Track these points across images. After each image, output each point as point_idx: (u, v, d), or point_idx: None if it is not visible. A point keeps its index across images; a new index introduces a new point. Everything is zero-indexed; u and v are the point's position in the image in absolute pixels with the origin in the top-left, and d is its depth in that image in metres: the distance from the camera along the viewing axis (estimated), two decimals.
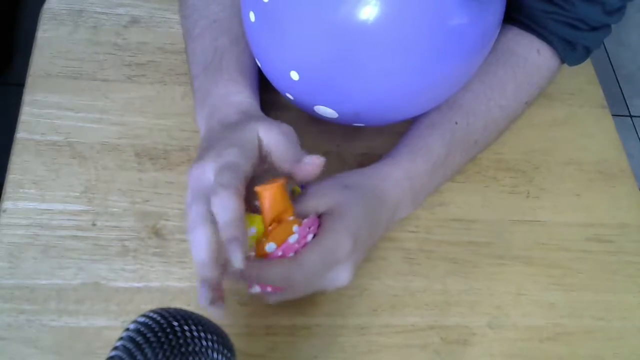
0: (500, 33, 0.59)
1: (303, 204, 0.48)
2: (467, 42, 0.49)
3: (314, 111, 0.54)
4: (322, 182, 0.50)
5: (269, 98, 0.57)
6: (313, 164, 0.46)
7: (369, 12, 0.44)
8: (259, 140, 0.47)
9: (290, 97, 0.54)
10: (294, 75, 0.50)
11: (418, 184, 0.55)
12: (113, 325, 0.50)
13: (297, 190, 0.50)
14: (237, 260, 0.41)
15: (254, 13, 0.49)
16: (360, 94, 0.50)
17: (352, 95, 0.50)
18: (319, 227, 0.47)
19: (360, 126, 0.57)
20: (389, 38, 0.46)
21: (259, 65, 0.54)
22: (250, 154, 0.46)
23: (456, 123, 0.57)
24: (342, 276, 0.48)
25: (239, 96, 0.53)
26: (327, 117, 0.54)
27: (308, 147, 0.60)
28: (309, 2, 0.46)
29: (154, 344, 0.35)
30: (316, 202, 0.48)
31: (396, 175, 0.54)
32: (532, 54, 0.59)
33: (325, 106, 0.52)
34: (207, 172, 0.45)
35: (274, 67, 0.52)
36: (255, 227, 0.45)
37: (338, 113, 0.53)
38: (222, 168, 0.45)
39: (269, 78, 0.54)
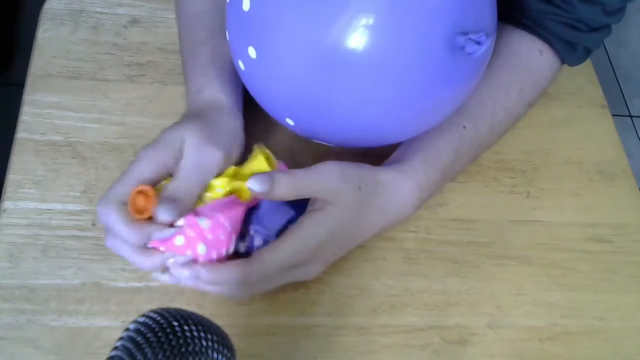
0: (502, 34, 0.59)
1: (309, 178, 0.46)
2: (456, 78, 0.48)
3: (311, 140, 0.55)
4: (346, 168, 0.48)
5: None
6: (160, 215, 0.45)
7: (353, 61, 0.44)
8: (183, 145, 0.47)
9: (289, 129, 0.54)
10: (289, 122, 0.51)
11: (426, 193, 0.54)
12: (113, 325, 0.50)
13: (270, 157, 0.50)
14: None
15: (243, 64, 0.49)
16: (353, 131, 0.50)
17: (346, 132, 0.50)
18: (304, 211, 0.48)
19: None
20: (374, 83, 0.45)
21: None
22: (164, 156, 0.47)
23: (464, 128, 0.56)
24: (308, 271, 0.49)
25: (208, 91, 0.53)
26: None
27: (308, 147, 0.61)
28: (296, 59, 0.46)
29: (154, 344, 0.35)
30: (320, 187, 0.47)
31: (409, 187, 0.53)
32: (535, 55, 0.59)
33: (323, 142, 0.54)
34: None
35: (269, 111, 0.53)
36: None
37: (335, 144, 0.54)
38: (121, 174, 0.47)
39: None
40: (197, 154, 0.47)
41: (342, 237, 0.49)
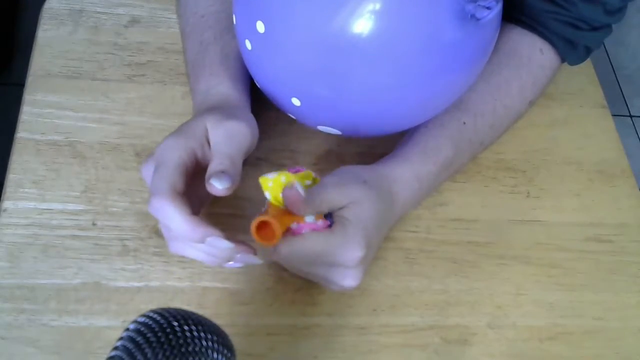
0: (503, 33, 0.59)
1: (320, 196, 0.47)
2: (464, 57, 0.48)
3: (317, 129, 0.54)
4: (340, 174, 0.49)
5: None
6: (214, 187, 0.45)
7: (364, 34, 0.44)
8: (207, 132, 0.48)
9: (293, 117, 0.54)
10: (295, 102, 0.50)
11: (425, 185, 0.55)
12: (113, 325, 0.50)
13: (317, 180, 0.49)
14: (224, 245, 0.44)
15: (250, 42, 0.49)
16: (361, 113, 0.50)
17: (354, 114, 0.50)
18: (333, 221, 0.47)
19: None
20: (386, 57, 0.45)
21: (260, 87, 0.54)
22: (191, 143, 0.47)
23: (464, 123, 0.56)
24: (349, 279, 0.48)
25: (219, 89, 0.53)
26: (330, 133, 0.54)
27: (308, 147, 0.61)
28: (305, 31, 0.46)
29: (154, 344, 0.35)
30: (334, 196, 0.47)
31: (407, 177, 0.53)
32: (536, 54, 0.59)
33: (328, 126, 0.53)
34: (149, 166, 0.47)
35: (274, 93, 0.52)
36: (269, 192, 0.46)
37: (341, 131, 0.53)
38: (156, 168, 0.46)
39: (270, 99, 0.54)
40: (223, 129, 0.47)
41: (375, 232, 0.49)
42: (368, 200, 0.48)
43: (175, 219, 0.44)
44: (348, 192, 0.48)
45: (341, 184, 0.48)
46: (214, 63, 0.54)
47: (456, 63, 0.48)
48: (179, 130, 0.48)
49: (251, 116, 0.52)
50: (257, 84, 0.54)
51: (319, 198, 0.46)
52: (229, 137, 0.47)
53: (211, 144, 0.48)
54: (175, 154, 0.46)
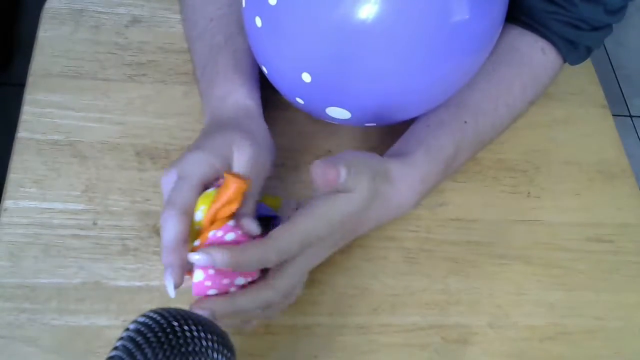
0: (504, 33, 0.59)
1: (347, 170, 0.47)
2: (474, 38, 0.49)
3: (325, 113, 0.53)
4: (357, 155, 0.50)
5: (270, 95, 0.57)
6: (247, 227, 0.46)
7: (377, 9, 0.44)
8: (232, 152, 0.48)
9: (301, 101, 0.53)
10: (306, 77, 0.50)
11: (427, 186, 0.54)
12: (113, 325, 0.50)
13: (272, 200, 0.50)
14: (169, 287, 0.43)
15: (261, 18, 0.49)
16: (372, 92, 0.50)
17: (364, 93, 0.50)
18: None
19: (370, 126, 0.57)
20: (398, 35, 0.46)
21: (265, 72, 0.54)
22: (216, 161, 0.47)
23: (465, 122, 0.56)
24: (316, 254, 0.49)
25: (236, 96, 0.53)
26: (338, 119, 0.54)
27: (308, 147, 0.61)
28: (318, 1, 0.46)
29: (154, 344, 0.35)
30: (355, 180, 0.47)
31: (412, 179, 0.53)
32: (537, 54, 0.59)
33: (338, 107, 0.52)
34: (171, 176, 0.47)
35: (283, 72, 0.52)
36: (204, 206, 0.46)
37: (351, 113, 0.53)
38: (177, 180, 0.46)
39: (276, 85, 0.54)
40: (249, 155, 0.48)
41: (351, 225, 0.49)
42: (366, 194, 0.48)
43: (168, 234, 0.44)
44: (356, 179, 0.48)
45: (359, 175, 0.48)
46: (227, 68, 0.54)
47: (464, 45, 0.48)
48: (205, 146, 0.48)
49: (268, 133, 0.52)
50: (263, 68, 0.53)
51: (357, 169, 0.47)
52: (252, 165, 0.48)
53: (235, 164, 0.48)
54: (200, 170, 0.46)
